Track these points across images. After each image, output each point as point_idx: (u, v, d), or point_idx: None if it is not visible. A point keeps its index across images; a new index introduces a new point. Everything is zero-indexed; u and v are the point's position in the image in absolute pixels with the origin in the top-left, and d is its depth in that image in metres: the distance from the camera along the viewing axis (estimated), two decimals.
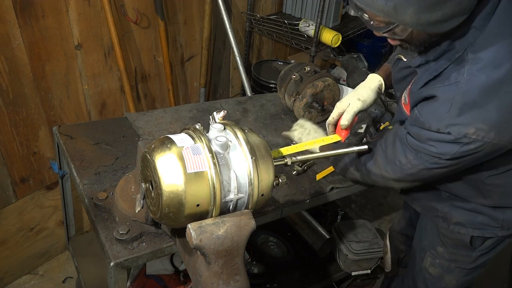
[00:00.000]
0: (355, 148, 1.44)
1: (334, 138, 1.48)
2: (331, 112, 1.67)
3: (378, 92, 1.49)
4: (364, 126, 1.44)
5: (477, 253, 1.46)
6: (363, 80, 2.22)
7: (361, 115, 1.44)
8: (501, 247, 1.48)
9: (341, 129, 1.46)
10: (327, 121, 1.52)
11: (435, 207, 1.46)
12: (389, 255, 1.93)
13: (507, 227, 1.38)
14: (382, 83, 1.51)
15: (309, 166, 1.70)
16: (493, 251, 1.47)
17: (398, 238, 1.92)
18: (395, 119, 1.39)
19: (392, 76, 1.44)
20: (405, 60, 1.30)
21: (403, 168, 1.25)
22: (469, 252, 1.46)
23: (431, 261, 1.55)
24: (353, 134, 1.44)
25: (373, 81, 1.51)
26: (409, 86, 1.28)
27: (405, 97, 1.30)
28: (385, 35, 1.14)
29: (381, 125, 1.89)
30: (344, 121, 1.43)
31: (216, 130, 1.03)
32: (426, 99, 1.16)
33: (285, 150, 1.21)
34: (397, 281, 1.95)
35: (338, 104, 1.47)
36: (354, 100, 1.44)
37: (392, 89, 1.50)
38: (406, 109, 1.28)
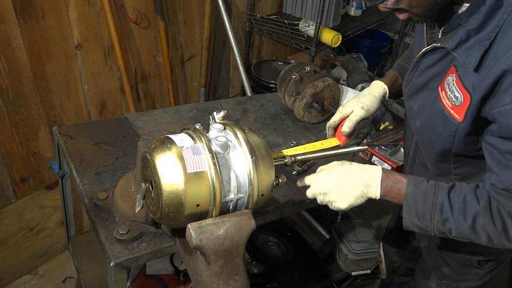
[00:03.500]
0: (355, 148, 1.44)
1: (333, 142, 1.47)
2: (331, 113, 1.68)
3: (382, 101, 1.44)
4: (364, 132, 1.43)
5: (485, 270, 1.39)
6: (363, 80, 2.22)
7: (362, 123, 1.41)
8: (504, 263, 1.43)
9: (341, 135, 1.44)
10: (328, 124, 1.50)
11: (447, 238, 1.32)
12: (383, 264, 1.92)
13: None
14: (386, 91, 1.45)
15: (309, 166, 1.70)
16: (500, 265, 1.41)
17: (390, 250, 1.89)
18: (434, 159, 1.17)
19: (408, 83, 1.22)
20: (438, 44, 1.07)
21: None
22: (476, 271, 1.38)
23: (437, 282, 1.47)
24: (351, 140, 1.42)
25: (378, 89, 1.45)
26: (453, 79, 1.04)
27: (453, 97, 1.03)
28: (389, 5, 1.01)
29: (381, 125, 1.90)
30: (346, 128, 1.40)
31: (216, 130, 1.03)
32: (496, 83, 0.94)
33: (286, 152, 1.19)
34: None
35: (341, 109, 1.43)
36: (358, 108, 1.40)
37: (399, 99, 1.42)
38: (458, 113, 1.03)
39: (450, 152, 1.13)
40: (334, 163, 1.16)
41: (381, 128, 1.88)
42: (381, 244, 1.95)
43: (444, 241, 1.36)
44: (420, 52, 1.14)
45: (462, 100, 1.00)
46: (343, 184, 1.09)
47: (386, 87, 1.46)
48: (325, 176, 1.12)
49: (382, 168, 1.10)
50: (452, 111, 1.04)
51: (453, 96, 1.03)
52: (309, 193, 1.15)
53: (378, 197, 1.09)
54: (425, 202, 1.04)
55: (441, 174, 1.23)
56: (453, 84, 1.02)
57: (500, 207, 1.00)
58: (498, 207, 1.00)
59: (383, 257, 1.92)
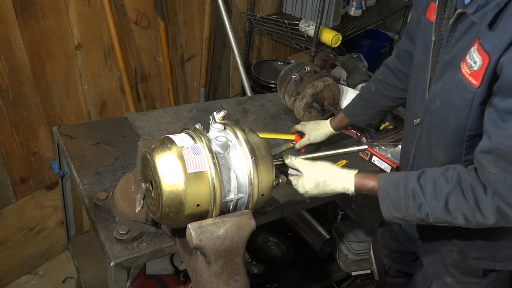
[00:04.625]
0: (355, 148, 1.45)
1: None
2: (331, 113, 1.73)
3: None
4: None
5: (488, 280, 1.37)
6: (363, 80, 2.24)
7: None
8: (508, 272, 1.42)
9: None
10: (292, 129, 1.79)
11: (449, 240, 1.30)
12: (374, 266, 1.92)
13: None
14: (331, 131, 1.69)
15: None
16: (503, 274, 1.38)
17: (381, 252, 1.88)
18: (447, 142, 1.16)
19: (435, 64, 1.20)
20: (460, 10, 1.07)
21: None
22: (480, 280, 1.36)
23: None
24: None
25: (325, 128, 1.69)
26: (474, 47, 1.03)
27: (472, 63, 1.03)
28: None
29: (381, 125, 1.90)
30: (297, 146, 1.73)
31: (216, 130, 1.03)
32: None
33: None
34: None
35: (298, 127, 1.75)
36: (305, 138, 1.69)
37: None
38: (475, 78, 1.02)
39: (465, 129, 1.11)
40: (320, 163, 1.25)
41: (381, 128, 1.88)
42: (371, 246, 1.95)
43: (448, 252, 1.35)
44: (450, 23, 1.13)
45: (481, 63, 1.00)
46: (326, 183, 1.20)
47: (331, 129, 1.69)
48: (313, 172, 1.22)
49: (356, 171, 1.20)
50: (470, 78, 1.04)
51: (473, 62, 1.03)
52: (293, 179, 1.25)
53: (353, 192, 1.20)
54: (397, 192, 1.09)
55: (452, 162, 1.17)
56: (474, 51, 1.02)
57: (474, 182, 1.00)
58: (471, 183, 1.01)
59: (373, 259, 1.92)
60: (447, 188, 1.03)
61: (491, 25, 0.98)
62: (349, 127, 1.89)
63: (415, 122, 1.28)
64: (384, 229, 1.86)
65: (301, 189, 1.22)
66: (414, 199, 1.07)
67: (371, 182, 1.17)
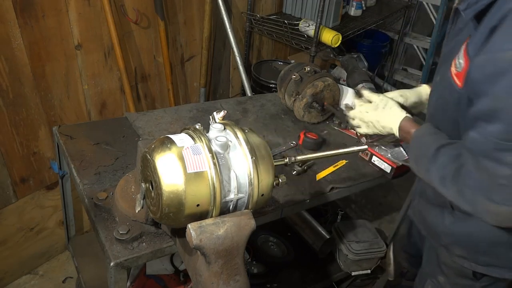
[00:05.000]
0: (355, 148, 1.45)
1: None
2: (331, 113, 1.72)
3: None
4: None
5: (480, 284, 1.34)
6: (363, 80, 2.24)
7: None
8: (507, 283, 1.36)
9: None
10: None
11: (439, 234, 1.33)
12: (392, 267, 1.91)
13: None
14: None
15: (309, 166, 1.70)
16: (497, 283, 1.35)
17: (400, 255, 1.87)
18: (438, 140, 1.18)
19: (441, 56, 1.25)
20: (455, 5, 1.11)
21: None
22: (472, 283, 1.34)
23: None
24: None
25: (424, 89, 1.53)
26: (463, 46, 1.04)
27: (458, 63, 1.06)
28: None
29: None
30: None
31: (216, 130, 1.03)
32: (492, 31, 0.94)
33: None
34: None
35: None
36: (397, 94, 1.51)
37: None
38: (459, 79, 1.05)
39: (459, 125, 1.13)
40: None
41: None
42: (391, 246, 1.94)
43: (439, 247, 1.36)
44: (450, 17, 1.18)
45: (464, 65, 1.02)
46: (375, 124, 1.41)
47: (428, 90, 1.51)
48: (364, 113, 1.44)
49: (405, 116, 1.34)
50: (455, 78, 1.06)
51: (458, 63, 1.05)
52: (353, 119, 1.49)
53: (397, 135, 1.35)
54: (421, 150, 1.21)
55: None
56: (461, 52, 1.04)
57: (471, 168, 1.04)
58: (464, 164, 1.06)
59: (392, 260, 1.90)
60: (450, 174, 1.09)
61: (476, 25, 1.00)
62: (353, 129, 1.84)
63: (437, 79, 1.29)
64: (405, 233, 1.82)
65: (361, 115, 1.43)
66: (428, 162, 1.15)
67: (412, 129, 1.28)
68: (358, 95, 1.52)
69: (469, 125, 1.04)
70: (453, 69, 1.07)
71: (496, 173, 0.97)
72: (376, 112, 1.40)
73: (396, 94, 1.48)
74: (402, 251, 1.86)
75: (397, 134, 1.34)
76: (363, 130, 1.47)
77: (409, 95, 1.48)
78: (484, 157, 0.98)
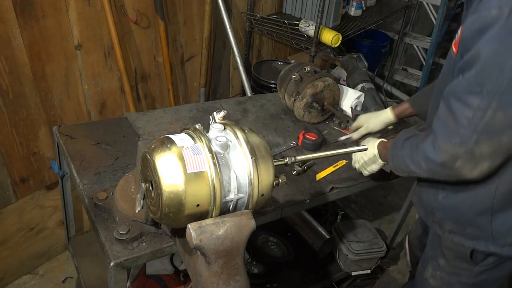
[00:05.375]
0: (355, 148, 1.46)
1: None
2: (331, 113, 1.74)
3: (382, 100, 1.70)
4: None
5: (479, 268, 1.38)
6: (363, 80, 2.27)
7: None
8: (506, 270, 1.40)
9: None
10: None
11: (433, 211, 1.41)
12: (408, 257, 1.95)
13: (498, 240, 1.29)
14: (391, 119, 1.75)
15: (309, 166, 1.70)
16: (496, 269, 1.38)
17: (415, 244, 1.90)
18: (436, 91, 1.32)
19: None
20: None
21: (472, 124, 1.06)
22: (470, 266, 1.39)
23: (432, 273, 1.50)
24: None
25: (386, 116, 1.76)
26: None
27: (456, 35, 1.18)
28: None
29: None
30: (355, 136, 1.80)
31: (216, 130, 1.03)
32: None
33: None
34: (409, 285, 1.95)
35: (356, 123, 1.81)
36: (363, 128, 1.77)
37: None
38: (455, 47, 1.16)
39: None
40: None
41: None
42: (406, 238, 1.98)
43: (433, 224, 1.44)
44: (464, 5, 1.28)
45: (459, 32, 1.13)
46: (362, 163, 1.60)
47: (391, 116, 1.75)
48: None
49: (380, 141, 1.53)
50: (453, 47, 1.19)
51: (456, 34, 1.16)
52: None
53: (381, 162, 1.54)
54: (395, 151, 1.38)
55: None
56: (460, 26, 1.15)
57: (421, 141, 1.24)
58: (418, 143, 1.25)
59: (407, 250, 1.95)
60: (414, 145, 1.27)
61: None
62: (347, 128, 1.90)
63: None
64: (418, 223, 1.89)
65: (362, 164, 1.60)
66: (400, 156, 1.33)
67: (387, 144, 1.47)
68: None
69: None
70: (453, 42, 1.20)
71: (460, 113, 1.08)
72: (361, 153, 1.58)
73: (362, 129, 1.76)
74: (416, 240, 1.89)
75: (378, 156, 1.52)
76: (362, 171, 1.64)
77: (371, 127, 1.76)
78: (454, 98, 1.10)
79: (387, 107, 1.97)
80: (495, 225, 1.28)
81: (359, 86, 2.53)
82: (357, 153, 1.60)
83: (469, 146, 1.09)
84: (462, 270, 1.42)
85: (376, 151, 1.52)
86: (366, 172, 1.61)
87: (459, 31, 1.12)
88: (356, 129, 1.80)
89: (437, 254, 1.47)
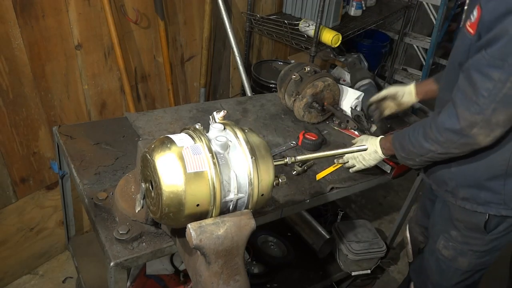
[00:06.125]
0: (355, 148, 1.46)
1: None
2: (331, 113, 1.82)
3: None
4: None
5: (490, 237, 1.48)
6: (363, 77, 2.31)
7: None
8: None
9: None
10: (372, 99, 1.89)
11: (446, 181, 1.49)
12: (410, 246, 1.99)
13: (509, 204, 1.39)
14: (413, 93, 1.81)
15: (309, 166, 1.70)
16: (506, 236, 1.49)
17: (416, 230, 1.97)
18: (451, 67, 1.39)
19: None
20: None
21: (491, 95, 1.16)
22: (482, 235, 1.48)
23: (444, 244, 1.59)
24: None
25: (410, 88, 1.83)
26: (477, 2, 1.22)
27: (472, 16, 1.25)
28: None
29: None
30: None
31: (216, 130, 1.03)
32: None
33: None
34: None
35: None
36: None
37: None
38: (472, 28, 1.24)
39: None
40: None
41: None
42: (407, 227, 2.03)
43: (444, 192, 1.52)
44: None
45: (476, 15, 1.20)
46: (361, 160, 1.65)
47: (413, 90, 1.80)
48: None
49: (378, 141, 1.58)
50: (469, 28, 1.25)
51: (472, 15, 1.24)
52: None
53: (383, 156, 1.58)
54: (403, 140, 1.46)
55: None
56: (475, 8, 1.22)
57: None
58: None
59: (409, 239, 2.00)
60: (428, 122, 1.36)
61: None
62: (353, 129, 1.90)
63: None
64: (417, 208, 1.97)
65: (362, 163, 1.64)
66: (411, 140, 1.41)
67: (389, 136, 1.53)
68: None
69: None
70: (467, 22, 1.27)
71: (481, 85, 1.17)
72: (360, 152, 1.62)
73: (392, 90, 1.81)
74: (417, 225, 1.95)
75: (381, 152, 1.57)
76: (355, 167, 1.67)
77: (402, 93, 1.82)
78: (475, 70, 1.18)
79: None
80: (508, 189, 1.37)
81: (358, 84, 2.53)
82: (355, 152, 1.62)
83: (487, 115, 1.18)
84: (474, 239, 1.50)
85: (377, 147, 1.57)
86: (361, 167, 1.65)
87: (476, 14, 1.20)
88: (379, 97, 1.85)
89: (448, 226, 1.56)
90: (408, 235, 2.00)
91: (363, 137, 1.70)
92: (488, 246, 1.51)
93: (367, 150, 1.59)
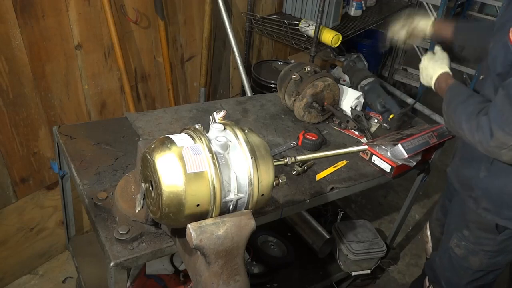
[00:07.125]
0: (355, 148, 1.46)
1: None
2: (331, 113, 1.81)
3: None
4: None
5: (501, 237, 1.50)
6: (367, 76, 2.31)
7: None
8: None
9: None
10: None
11: (472, 186, 1.50)
12: (430, 244, 2.02)
13: None
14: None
15: (309, 166, 1.70)
16: None
17: (436, 228, 1.99)
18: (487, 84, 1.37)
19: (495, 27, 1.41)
20: None
21: None
22: (494, 236, 1.50)
23: (457, 243, 1.61)
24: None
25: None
26: None
27: None
28: None
29: (388, 117, 1.91)
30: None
31: (216, 130, 1.03)
32: None
33: None
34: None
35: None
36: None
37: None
38: None
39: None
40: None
41: (389, 118, 1.89)
42: (427, 225, 2.06)
43: (467, 198, 1.53)
44: None
45: None
46: (423, 71, 1.61)
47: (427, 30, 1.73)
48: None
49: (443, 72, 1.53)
50: (511, 36, 1.21)
51: None
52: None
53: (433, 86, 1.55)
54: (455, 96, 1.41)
55: None
56: None
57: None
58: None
59: (429, 237, 2.03)
60: (475, 111, 1.31)
61: None
62: (353, 129, 1.89)
63: (480, 78, 1.49)
64: (438, 206, 1.99)
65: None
66: (459, 103, 1.36)
67: (449, 80, 1.49)
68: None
69: None
70: (510, 35, 1.22)
71: None
72: (430, 62, 1.58)
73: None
74: (437, 222, 1.97)
75: (433, 83, 1.53)
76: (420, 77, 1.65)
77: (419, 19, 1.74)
78: None
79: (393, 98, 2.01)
80: None
81: (363, 83, 2.53)
82: (426, 56, 1.61)
83: None
84: (486, 240, 1.53)
85: (433, 79, 1.53)
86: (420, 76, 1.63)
87: None
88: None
89: (461, 226, 1.58)
90: (428, 233, 2.03)
91: (442, 54, 1.62)
92: (500, 246, 1.52)
93: (423, 72, 1.58)
